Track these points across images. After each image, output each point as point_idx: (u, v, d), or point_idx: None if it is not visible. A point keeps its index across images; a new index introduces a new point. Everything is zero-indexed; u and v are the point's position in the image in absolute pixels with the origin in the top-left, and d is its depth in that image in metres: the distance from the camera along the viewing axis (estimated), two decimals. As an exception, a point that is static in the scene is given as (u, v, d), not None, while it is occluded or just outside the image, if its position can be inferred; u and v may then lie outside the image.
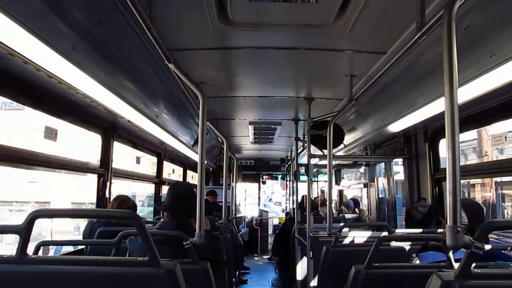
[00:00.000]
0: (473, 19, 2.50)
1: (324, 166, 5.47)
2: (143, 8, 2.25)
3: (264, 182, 14.77)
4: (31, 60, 2.39)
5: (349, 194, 9.74)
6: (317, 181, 12.32)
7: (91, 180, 4.49)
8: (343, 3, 2.52)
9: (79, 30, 2.50)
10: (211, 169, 11.20)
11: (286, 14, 2.69)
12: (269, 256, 11.69)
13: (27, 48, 2.26)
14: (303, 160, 7.47)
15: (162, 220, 3.03)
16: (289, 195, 11.45)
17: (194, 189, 3.10)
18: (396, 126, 4.75)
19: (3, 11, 1.87)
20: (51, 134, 3.52)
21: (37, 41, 2.18)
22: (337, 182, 10.24)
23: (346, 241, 4.17)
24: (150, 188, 7.18)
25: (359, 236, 4.27)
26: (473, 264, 1.60)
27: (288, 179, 11.92)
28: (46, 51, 2.31)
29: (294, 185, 7.52)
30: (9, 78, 2.77)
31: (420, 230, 3.98)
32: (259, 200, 15.06)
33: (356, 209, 7.61)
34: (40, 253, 2.92)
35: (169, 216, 2.92)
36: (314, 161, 5.33)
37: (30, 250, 1.79)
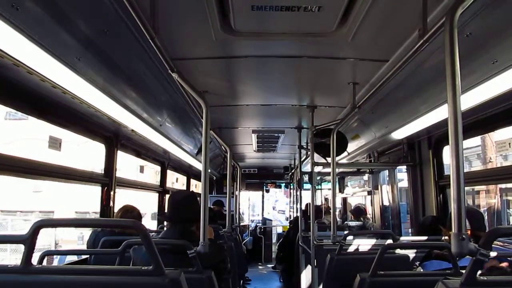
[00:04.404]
0: (475, 26, 2.50)
1: (328, 174, 5.46)
2: (147, 18, 2.27)
3: (267, 191, 14.73)
4: (35, 71, 2.41)
5: (353, 202, 9.70)
6: (321, 189, 12.29)
7: (95, 189, 4.49)
8: (345, 12, 2.53)
9: (83, 40, 2.52)
10: (214, 178, 11.20)
11: (288, 22, 2.70)
12: (273, 265, 11.64)
13: (32, 59, 2.28)
14: (307, 168, 7.46)
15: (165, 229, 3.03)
16: (293, 203, 11.43)
17: (197, 197, 3.10)
18: (400, 134, 4.75)
19: (8, 22, 1.89)
20: (55, 144, 3.54)
21: (41, 52, 2.20)
22: (341, 190, 10.21)
23: (351, 249, 4.15)
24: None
25: (364, 244, 4.25)
26: (479, 271, 1.59)
27: (291, 187, 11.90)
28: (51, 61, 2.32)
29: (298, 193, 7.51)
30: (14, 89, 2.78)
31: (425, 238, 3.97)
32: (262, 209, 15.02)
33: (361, 217, 7.57)
34: (44, 262, 2.92)
35: (171, 224, 2.91)
36: (317, 169, 5.32)
37: (34, 260, 1.79)
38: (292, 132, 6.51)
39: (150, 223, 10.77)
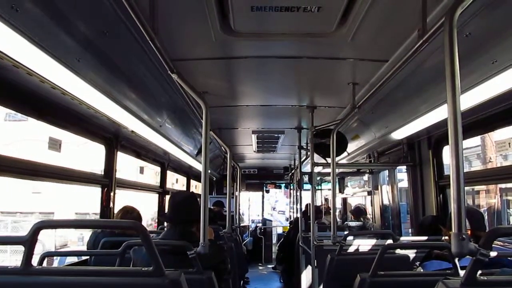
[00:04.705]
0: (474, 26, 2.50)
1: (328, 174, 5.46)
2: (146, 19, 2.26)
3: (267, 191, 14.73)
4: (35, 72, 2.40)
5: (353, 202, 9.70)
6: (321, 190, 12.28)
7: (95, 190, 4.49)
8: (344, 12, 2.54)
9: (83, 41, 2.52)
10: (214, 179, 11.19)
11: (288, 23, 2.70)
12: (273, 265, 11.64)
13: (31, 60, 2.28)
14: (307, 168, 7.46)
15: (165, 229, 3.03)
16: (293, 204, 11.42)
17: (197, 198, 3.10)
18: (399, 134, 4.75)
19: (7, 23, 1.89)
20: (55, 145, 3.54)
21: (41, 53, 2.20)
22: (341, 190, 10.20)
23: (351, 249, 4.15)
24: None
25: (364, 244, 4.24)
26: (479, 272, 1.59)
27: (291, 187, 11.90)
28: (50, 62, 2.32)
29: (298, 193, 7.50)
30: (13, 90, 2.78)
31: (425, 238, 3.97)
32: (262, 209, 15.01)
33: (361, 217, 7.57)
34: (44, 264, 2.92)
35: (171, 225, 2.91)
36: (317, 169, 5.32)
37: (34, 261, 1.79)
38: (292, 132, 6.51)
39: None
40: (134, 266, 2.64)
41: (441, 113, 3.54)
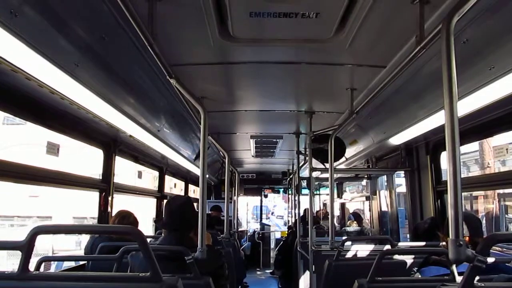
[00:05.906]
0: (472, 32, 2.52)
1: (326, 179, 5.47)
2: (145, 24, 2.27)
3: (266, 196, 14.71)
4: (33, 77, 2.40)
5: (351, 207, 9.70)
6: (319, 194, 12.27)
7: (93, 194, 4.48)
8: (342, 18, 2.55)
9: (81, 46, 2.52)
10: (212, 183, 11.18)
11: (286, 29, 2.71)
12: (271, 270, 11.61)
13: (30, 65, 2.28)
14: (305, 173, 7.47)
15: (163, 235, 3.02)
16: (291, 209, 11.42)
17: (194, 203, 3.09)
18: (397, 139, 4.75)
19: (6, 28, 1.89)
20: (53, 149, 3.53)
21: (40, 58, 2.20)
22: (339, 195, 10.20)
23: (349, 254, 4.14)
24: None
25: (362, 250, 4.24)
26: (477, 278, 1.59)
27: (290, 192, 11.89)
28: (49, 67, 2.33)
29: (296, 198, 7.50)
30: (12, 94, 2.78)
31: (423, 243, 3.97)
32: (261, 214, 14.99)
33: (355, 223, 7.57)
34: (41, 269, 2.91)
35: (168, 231, 2.90)
36: (315, 174, 5.32)
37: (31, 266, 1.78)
38: (290, 137, 6.52)
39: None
40: (132, 271, 2.63)
41: (438, 119, 3.55)
